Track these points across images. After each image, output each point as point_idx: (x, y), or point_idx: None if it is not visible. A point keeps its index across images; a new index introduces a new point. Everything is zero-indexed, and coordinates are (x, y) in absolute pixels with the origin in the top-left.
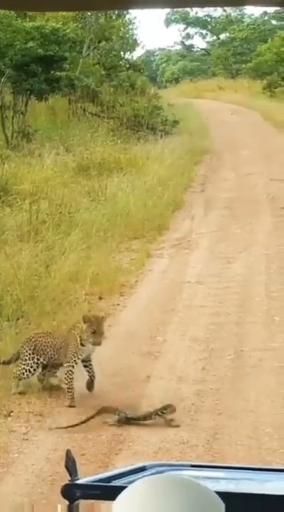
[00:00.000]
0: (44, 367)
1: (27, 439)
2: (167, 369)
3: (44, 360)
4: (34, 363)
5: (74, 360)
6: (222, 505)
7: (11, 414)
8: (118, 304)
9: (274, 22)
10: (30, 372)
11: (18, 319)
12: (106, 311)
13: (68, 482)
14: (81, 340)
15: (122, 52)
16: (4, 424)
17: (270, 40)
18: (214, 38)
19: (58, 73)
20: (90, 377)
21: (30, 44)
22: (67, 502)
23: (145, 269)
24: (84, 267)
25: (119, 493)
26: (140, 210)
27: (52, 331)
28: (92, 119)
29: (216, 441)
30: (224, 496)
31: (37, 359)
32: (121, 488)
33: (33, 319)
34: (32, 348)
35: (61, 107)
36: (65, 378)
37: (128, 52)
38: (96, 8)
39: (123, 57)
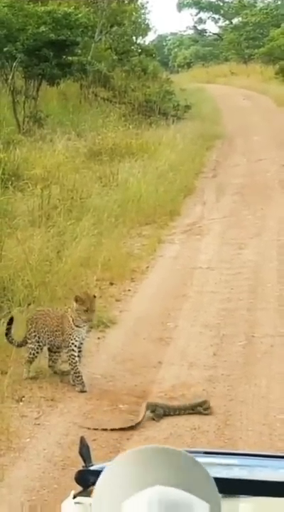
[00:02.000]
0: (49, 350)
1: (39, 424)
2: (178, 355)
3: (45, 340)
4: (36, 341)
5: (73, 343)
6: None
7: (23, 399)
8: (129, 290)
9: None
10: (36, 351)
11: (29, 304)
12: (117, 296)
13: (82, 468)
14: (74, 320)
15: (134, 37)
16: (16, 409)
17: (283, 24)
18: (227, 22)
19: (70, 58)
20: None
21: (42, 29)
22: (80, 488)
23: (156, 254)
24: (95, 253)
25: None
26: (152, 195)
27: (50, 310)
28: (104, 104)
29: (227, 427)
30: (237, 482)
31: (39, 338)
32: None
33: (45, 305)
34: (33, 327)
35: (73, 92)
36: (70, 364)
37: (140, 37)
38: None
39: (135, 42)
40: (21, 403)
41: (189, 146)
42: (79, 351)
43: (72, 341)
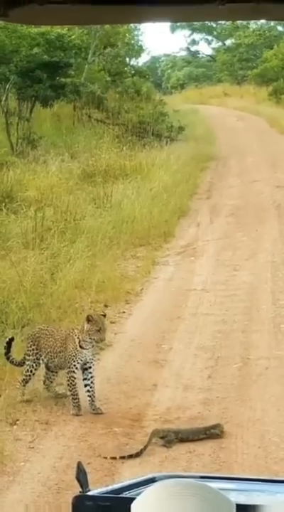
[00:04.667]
0: (47, 368)
1: (33, 448)
2: (173, 377)
3: (45, 358)
4: (36, 359)
5: (74, 365)
6: (234, 507)
7: (17, 422)
8: (123, 312)
9: (280, 28)
10: (34, 369)
11: (23, 327)
12: (111, 319)
13: (79, 493)
14: (80, 342)
15: (127, 59)
16: (10, 432)
17: (276, 46)
18: (220, 43)
19: (63, 79)
20: (89, 396)
21: (36, 50)
22: None
23: (150, 276)
24: (89, 275)
25: (130, 504)
26: (146, 217)
27: (55, 329)
28: (97, 125)
29: (223, 450)
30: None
31: (39, 355)
32: (132, 500)
33: None
34: (35, 344)
35: (66, 113)
36: (68, 385)
37: (134, 59)
38: (101, 22)
39: (129, 64)
40: (15, 426)
41: (183, 167)
42: (91, 376)
43: (74, 363)
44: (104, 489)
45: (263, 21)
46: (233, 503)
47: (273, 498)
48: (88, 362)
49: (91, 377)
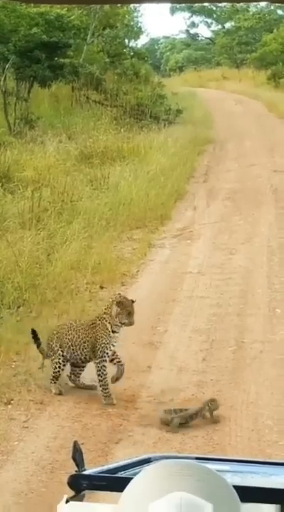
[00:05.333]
0: (72, 364)
1: (27, 427)
2: (167, 359)
3: (67, 354)
4: (62, 357)
5: (106, 353)
6: (231, 488)
7: (11, 402)
8: (119, 294)
9: (280, 12)
10: (60, 368)
11: (19, 307)
12: (107, 300)
13: (75, 473)
14: (112, 326)
15: (126, 40)
16: (4, 411)
17: (275, 29)
18: (219, 26)
19: (62, 60)
20: (120, 367)
21: (35, 30)
22: (72, 492)
23: (146, 258)
24: (85, 256)
25: (125, 484)
26: (143, 199)
27: (75, 323)
28: (95, 107)
29: (216, 432)
30: None
31: (62, 353)
32: (127, 480)
33: (34, 307)
34: (58, 343)
35: (64, 94)
36: (99, 375)
37: (133, 40)
38: (101, 2)
39: (128, 45)
40: (10, 406)
41: (181, 150)
42: (118, 361)
43: (106, 350)
44: (99, 469)
45: (262, 4)
46: (230, 484)
47: (267, 480)
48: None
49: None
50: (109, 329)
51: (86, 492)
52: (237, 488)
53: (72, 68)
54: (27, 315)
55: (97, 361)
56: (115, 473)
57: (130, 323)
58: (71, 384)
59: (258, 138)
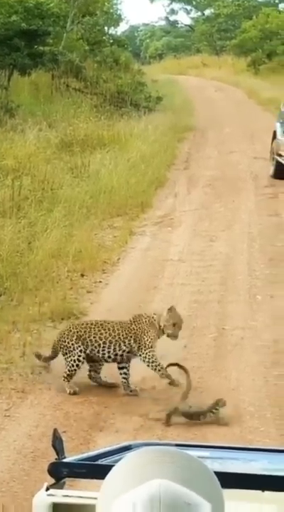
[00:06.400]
0: (92, 361)
1: (9, 416)
2: None
3: (92, 352)
4: (83, 355)
5: (154, 345)
6: (212, 475)
7: None
8: (100, 282)
9: None
10: (78, 366)
11: (0, 295)
12: (88, 288)
13: (55, 460)
14: (163, 327)
15: (106, 28)
16: None
17: (254, 16)
18: (199, 13)
19: (41, 48)
20: (125, 379)
21: (14, 18)
22: (53, 480)
23: (127, 246)
24: (66, 244)
25: (105, 471)
26: (123, 187)
27: (105, 322)
28: (75, 94)
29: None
30: None
31: (84, 350)
32: (107, 467)
33: (15, 296)
34: (79, 341)
35: (44, 82)
36: (153, 362)
37: (112, 28)
38: None
39: (107, 33)
40: None
41: (161, 137)
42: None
43: (155, 343)
44: (79, 456)
45: None
46: (211, 470)
47: (247, 466)
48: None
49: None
50: (158, 328)
51: (67, 480)
52: (217, 474)
53: (51, 56)
54: (8, 303)
55: (147, 351)
56: (95, 461)
57: (174, 336)
58: (92, 383)
59: (238, 125)
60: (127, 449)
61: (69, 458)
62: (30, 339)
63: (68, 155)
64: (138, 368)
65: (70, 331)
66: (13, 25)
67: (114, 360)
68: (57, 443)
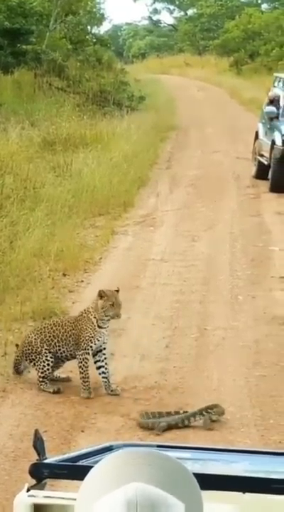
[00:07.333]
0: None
1: None
2: (130, 347)
3: (53, 349)
4: (50, 354)
5: (90, 346)
6: (192, 476)
7: None
8: (82, 281)
9: None
10: (49, 365)
11: None
12: (70, 287)
13: (36, 461)
14: (98, 321)
15: (89, 27)
16: None
17: (237, 17)
18: (182, 13)
19: (24, 46)
20: (105, 378)
21: None
22: (34, 481)
23: (109, 246)
24: (48, 243)
25: (86, 472)
26: (106, 186)
27: (59, 320)
28: (58, 93)
29: None
30: None
31: (49, 349)
32: (88, 468)
33: None
34: (43, 343)
35: (27, 81)
36: (81, 367)
37: (95, 27)
38: None
39: (90, 32)
40: None
41: (144, 137)
42: (105, 358)
43: (90, 344)
44: (60, 457)
45: None
46: (190, 471)
47: (228, 468)
48: (104, 342)
49: (105, 358)
50: (95, 323)
51: (48, 480)
52: (197, 475)
53: (34, 55)
54: None
55: (80, 353)
56: (76, 462)
57: (116, 315)
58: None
59: (221, 124)
60: (108, 449)
61: (51, 459)
62: (11, 338)
63: (50, 154)
64: (119, 368)
65: (30, 336)
66: None
67: (70, 359)
68: (38, 444)
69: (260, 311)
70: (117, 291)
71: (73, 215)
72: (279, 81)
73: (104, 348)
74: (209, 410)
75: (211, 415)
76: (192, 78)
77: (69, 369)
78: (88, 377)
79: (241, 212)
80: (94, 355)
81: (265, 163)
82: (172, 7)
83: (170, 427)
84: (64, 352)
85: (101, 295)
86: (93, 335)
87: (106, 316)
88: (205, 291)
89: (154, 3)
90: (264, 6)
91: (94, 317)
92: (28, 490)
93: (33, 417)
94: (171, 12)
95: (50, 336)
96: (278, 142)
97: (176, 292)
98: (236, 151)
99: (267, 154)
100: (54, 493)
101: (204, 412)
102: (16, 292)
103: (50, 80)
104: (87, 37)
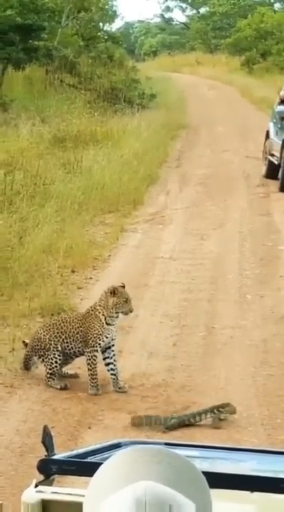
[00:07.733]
0: (63, 355)
1: None
2: (138, 344)
3: (61, 346)
4: (57, 351)
5: (99, 344)
6: (200, 474)
7: None
8: (90, 278)
9: None
10: (57, 363)
11: None
12: (78, 284)
13: (44, 457)
14: (106, 318)
15: (101, 24)
16: None
17: (250, 16)
18: (194, 11)
19: (36, 43)
20: (113, 375)
21: (9, 12)
22: (41, 476)
23: (118, 243)
24: (57, 240)
25: (94, 469)
26: (116, 183)
27: (67, 316)
28: (69, 90)
29: None
30: None
31: (56, 346)
32: (97, 464)
33: (6, 291)
34: (51, 339)
35: (38, 77)
36: (89, 364)
37: (107, 24)
38: None
39: (102, 29)
40: None
41: (154, 135)
42: (114, 354)
43: (99, 341)
44: (69, 453)
45: None
46: (199, 470)
47: (237, 467)
48: (113, 339)
49: (114, 355)
50: (103, 321)
51: (56, 476)
52: (206, 474)
53: (46, 51)
54: None
55: (88, 350)
56: (85, 458)
57: (130, 311)
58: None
59: (231, 123)
60: (116, 446)
61: (59, 455)
62: (19, 334)
63: (61, 150)
64: (127, 365)
65: (39, 333)
66: (8, 20)
67: (78, 355)
68: (47, 439)
69: (269, 310)
70: (123, 286)
71: (83, 211)
72: None
73: (113, 345)
74: (221, 409)
75: (222, 414)
76: (203, 77)
77: (78, 365)
78: (96, 374)
79: (250, 212)
80: (102, 352)
81: (276, 162)
82: (184, 5)
83: (179, 425)
84: (72, 349)
85: (114, 292)
86: (101, 332)
87: (119, 312)
88: (213, 290)
89: (166, 1)
90: (277, 6)
91: (103, 314)
92: (36, 486)
93: (40, 413)
94: (183, 10)
95: (58, 333)
96: None
97: (184, 290)
98: (247, 150)
99: (277, 154)
100: (62, 489)
101: (215, 411)
102: (25, 288)
103: (62, 77)
104: (99, 34)
